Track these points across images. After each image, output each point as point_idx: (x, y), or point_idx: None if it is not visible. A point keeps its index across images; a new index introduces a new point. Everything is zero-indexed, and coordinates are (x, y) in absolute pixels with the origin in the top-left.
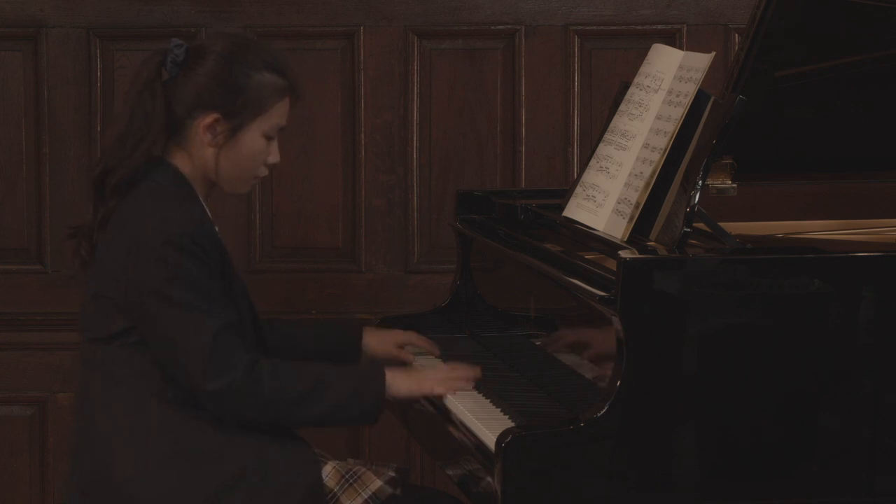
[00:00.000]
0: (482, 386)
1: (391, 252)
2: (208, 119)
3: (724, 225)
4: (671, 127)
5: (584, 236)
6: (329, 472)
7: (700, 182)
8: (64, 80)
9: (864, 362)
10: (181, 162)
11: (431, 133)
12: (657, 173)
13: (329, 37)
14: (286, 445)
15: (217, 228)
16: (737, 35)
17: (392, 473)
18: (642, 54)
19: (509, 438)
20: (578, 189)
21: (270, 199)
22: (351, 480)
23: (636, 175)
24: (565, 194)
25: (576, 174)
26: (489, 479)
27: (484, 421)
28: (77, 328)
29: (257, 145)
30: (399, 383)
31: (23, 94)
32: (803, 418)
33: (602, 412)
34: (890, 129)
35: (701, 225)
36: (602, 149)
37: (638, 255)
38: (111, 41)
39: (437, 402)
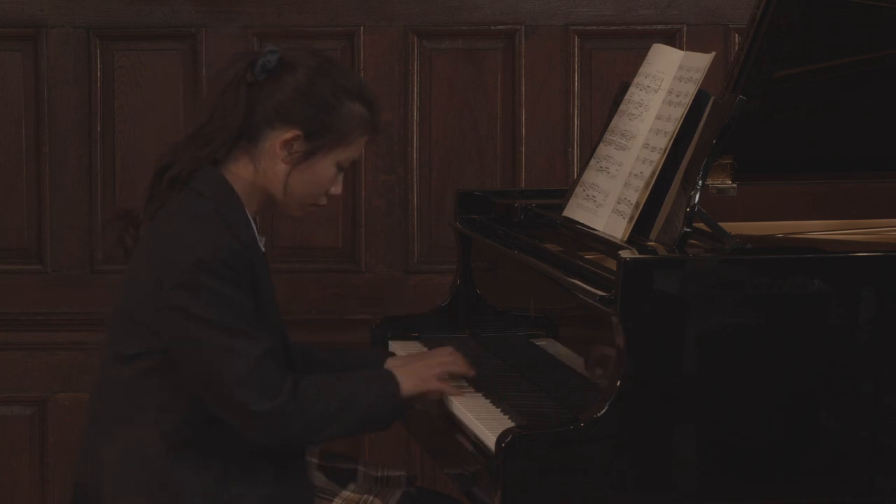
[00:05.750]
0: (482, 386)
1: (391, 252)
2: (289, 134)
3: (724, 225)
4: (671, 127)
5: (584, 236)
6: None
7: (700, 182)
8: (64, 80)
9: (865, 362)
10: (243, 169)
11: (431, 133)
12: (657, 173)
13: (329, 37)
14: (284, 502)
15: (263, 240)
16: (737, 35)
17: (399, 492)
18: (642, 54)
19: (509, 438)
20: (578, 189)
21: None
22: None
23: (636, 175)
24: (565, 194)
25: (576, 174)
26: (489, 479)
27: (484, 421)
28: (79, 326)
29: (329, 173)
30: (407, 384)
31: (23, 94)
32: (803, 418)
33: (602, 412)
34: (890, 129)
35: (701, 225)
36: (602, 149)
37: (638, 255)
38: (111, 41)
39: (436, 402)
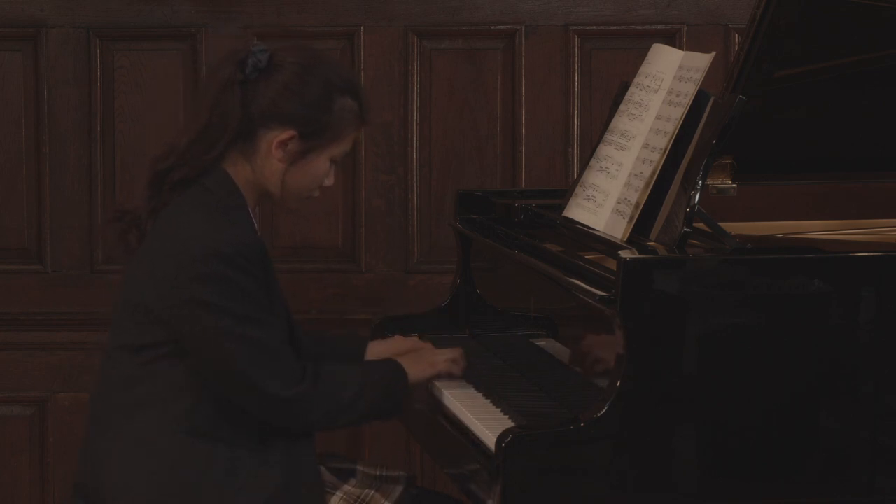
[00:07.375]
0: (483, 386)
1: (391, 252)
2: (284, 135)
3: (724, 225)
4: (671, 127)
5: (584, 236)
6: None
7: (700, 182)
8: (64, 80)
9: (864, 362)
10: (240, 168)
11: (431, 133)
12: (657, 173)
13: (329, 37)
14: (293, 490)
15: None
16: (737, 35)
17: (400, 488)
18: (642, 54)
19: (509, 438)
20: (578, 189)
21: None
22: None
23: (636, 175)
24: (565, 194)
25: (576, 174)
26: (489, 478)
27: (484, 421)
28: (79, 326)
29: (323, 168)
30: (413, 370)
31: (23, 94)
32: (803, 418)
33: (602, 412)
34: (890, 129)
35: (701, 225)
36: (602, 149)
37: (638, 255)
38: (111, 41)
39: (436, 402)
